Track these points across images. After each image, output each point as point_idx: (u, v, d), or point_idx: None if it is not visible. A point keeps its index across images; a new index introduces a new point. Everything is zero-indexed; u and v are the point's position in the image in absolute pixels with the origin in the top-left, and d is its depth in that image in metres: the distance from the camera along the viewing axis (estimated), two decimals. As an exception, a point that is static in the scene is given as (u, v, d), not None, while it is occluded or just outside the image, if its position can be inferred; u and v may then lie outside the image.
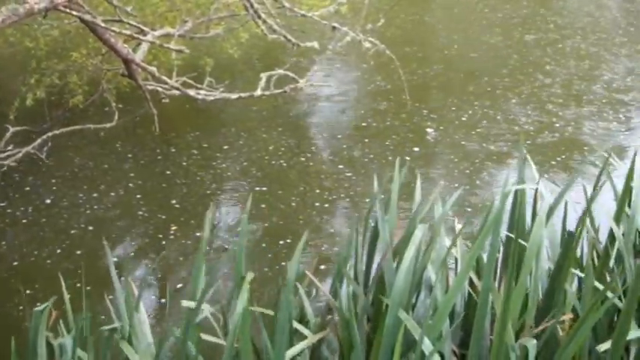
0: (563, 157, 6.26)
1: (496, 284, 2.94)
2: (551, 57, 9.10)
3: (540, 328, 2.62)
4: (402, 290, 2.45)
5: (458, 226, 3.31)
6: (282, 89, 4.55)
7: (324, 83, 7.12)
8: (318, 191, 5.63)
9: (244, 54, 7.90)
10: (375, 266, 2.95)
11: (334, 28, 4.41)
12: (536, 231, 2.62)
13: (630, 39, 9.99)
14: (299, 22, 5.57)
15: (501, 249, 3.12)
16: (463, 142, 6.53)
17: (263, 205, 5.35)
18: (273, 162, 6.13)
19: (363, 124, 6.96)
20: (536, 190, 2.97)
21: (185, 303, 2.70)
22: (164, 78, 4.39)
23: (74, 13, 4.07)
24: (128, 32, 4.50)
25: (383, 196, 3.03)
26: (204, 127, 6.77)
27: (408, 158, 6.13)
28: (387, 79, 6.78)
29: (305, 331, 2.79)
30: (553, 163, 6.15)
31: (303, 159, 6.23)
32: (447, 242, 2.81)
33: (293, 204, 5.43)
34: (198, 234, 4.96)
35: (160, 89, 4.75)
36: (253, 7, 4.01)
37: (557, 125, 6.93)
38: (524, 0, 12.24)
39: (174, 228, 5.07)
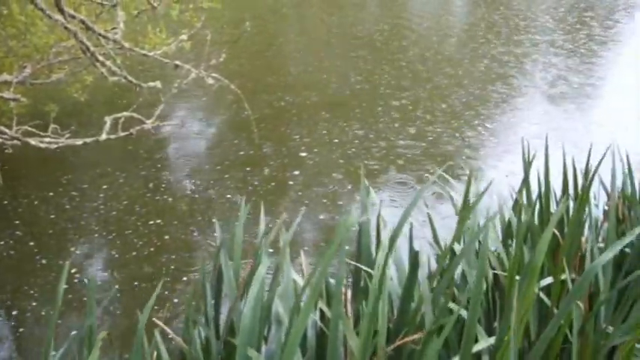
0: (426, 169, 6.58)
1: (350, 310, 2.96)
2: (415, 73, 9.45)
3: (391, 347, 2.66)
4: (250, 329, 2.41)
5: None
6: (128, 132, 4.45)
7: (171, 122, 7.07)
8: (215, 220, 5.59)
9: (102, 96, 7.69)
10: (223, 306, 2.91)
11: (177, 66, 4.38)
12: (380, 256, 2.67)
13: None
14: (150, 61, 5.49)
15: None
16: (341, 161, 6.76)
17: (167, 237, 5.31)
18: (158, 197, 6.02)
19: (241, 152, 6.96)
20: (379, 215, 3.03)
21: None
22: (2, 128, 4.18)
23: None
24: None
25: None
26: (78, 169, 6.55)
27: (291, 183, 6.22)
28: (254, 108, 6.83)
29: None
30: (425, 175, 6.46)
31: (189, 192, 6.18)
32: (294, 273, 2.81)
33: (195, 233, 5.40)
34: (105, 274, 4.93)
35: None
36: (90, 50, 3.89)
37: (423, 141, 7.25)
38: (377, 25, 12.66)
39: (74, 270, 4.91)
